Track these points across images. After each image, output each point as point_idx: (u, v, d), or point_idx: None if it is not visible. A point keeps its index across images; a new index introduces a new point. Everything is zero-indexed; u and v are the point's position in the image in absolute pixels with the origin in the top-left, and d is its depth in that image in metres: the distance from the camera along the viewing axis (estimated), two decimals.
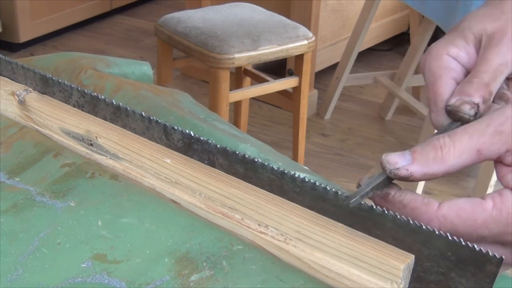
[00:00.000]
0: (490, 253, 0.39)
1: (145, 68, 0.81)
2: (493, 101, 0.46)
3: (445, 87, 0.46)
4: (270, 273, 0.44)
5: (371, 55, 3.14)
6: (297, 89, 2.06)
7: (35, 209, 0.51)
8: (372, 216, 0.43)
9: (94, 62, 0.77)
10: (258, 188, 0.50)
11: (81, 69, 0.75)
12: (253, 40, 1.92)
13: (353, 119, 2.72)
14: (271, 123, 2.65)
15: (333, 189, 0.46)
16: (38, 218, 0.50)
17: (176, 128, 0.54)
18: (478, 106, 0.45)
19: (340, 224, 0.45)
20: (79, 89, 0.60)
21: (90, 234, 0.48)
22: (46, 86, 0.63)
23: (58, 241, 0.48)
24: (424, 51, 0.55)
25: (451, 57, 0.48)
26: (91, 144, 0.58)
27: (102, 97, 0.59)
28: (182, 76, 2.95)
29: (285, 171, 0.48)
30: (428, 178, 0.42)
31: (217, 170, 0.52)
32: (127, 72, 0.80)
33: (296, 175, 0.47)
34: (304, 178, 0.47)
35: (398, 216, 0.42)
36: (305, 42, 1.99)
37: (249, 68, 2.22)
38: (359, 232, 0.45)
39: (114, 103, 0.58)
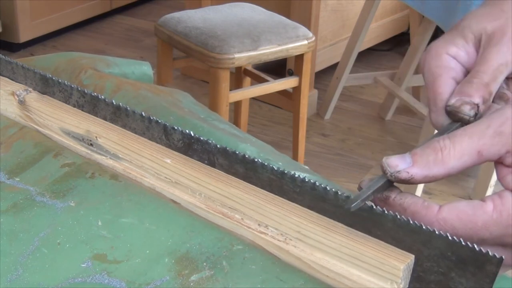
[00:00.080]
0: (490, 253, 0.39)
1: (145, 68, 0.81)
2: (493, 101, 0.46)
3: (445, 87, 0.46)
4: (270, 273, 0.44)
5: (371, 55, 3.14)
6: (297, 89, 2.07)
7: (35, 209, 0.51)
8: (372, 216, 0.43)
9: (94, 62, 0.77)
10: (258, 188, 0.50)
11: (81, 69, 0.75)
12: (253, 40, 1.92)
13: (353, 119, 2.72)
14: (271, 123, 2.65)
15: (333, 189, 0.46)
16: (38, 218, 0.50)
17: (176, 128, 0.54)
18: (478, 107, 0.44)
19: (340, 224, 0.45)
20: (79, 89, 0.60)
21: (90, 234, 0.48)
22: (46, 86, 0.63)
23: (58, 241, 0.48)
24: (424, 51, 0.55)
25: (450, 56, 0.48)
26: (91, 144, 0.58)
27: (102, 97, 0.59)
28: (182, 76, 2.95)
29: (285, 171, 0.48)
30: (428, 181, 0.42)
31: (217, 170, 0.52)
32: (127, 72, 0.80)
33: (296, 175, 0.47)
34: (304, 178, 0.47)
35: (398, 216, 0.42)
36: (305, 42, 1.99)
37: (249, 68, 2.22)
38: (359, 232, 0.45)
39: (114, 103, 0.58)
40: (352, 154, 2.48)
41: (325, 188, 0.46)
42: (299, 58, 2.02)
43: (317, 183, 0.46)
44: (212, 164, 0.52)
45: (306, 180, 0.47)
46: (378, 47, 3.14)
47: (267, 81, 2.12)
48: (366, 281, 0.43)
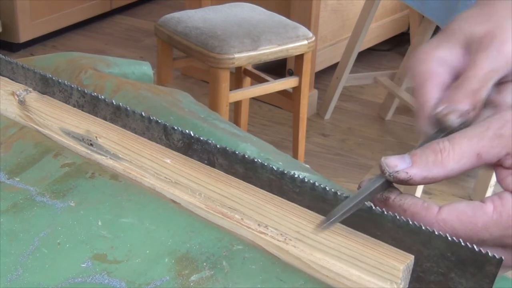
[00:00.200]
0: (489, 254, 0.39)
1: (145, 68, 0.81)
2: (483, 107, 0.45)
3: (432, 93, 0.45)
4: (270, 273, 0.45)
5: (371, 55, 3.14)
6: (297, 89, 2.07)
7: (35, 209, 0.51)
8: (371, 217, 0.43)
9: (94, 62, 0.77)
10: (258, 188, 0.50)
11: (81, 69, 0.75)
12: (253, 40, 1.92)
13: (353, 119, 2.72)
14: (271, 123, 2.65)
15: (333, 190, 0.46)
16: (38, 218, 0.50)
17: (176, 128, 0.54)
18: (466, 114, 0.44)
19: (339, 225, 0.45)
20: (79, 89, 0.60)
21: (90, 234, 0.48)
22: (46, 86, 0.63)
23: (58, 241, 0.48)
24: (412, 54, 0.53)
25: (439, 60, 0.46)
26: (91, 144, 0.58)
27: (102, 97, 0.59)
28: (182, 76, 2.95)
29: (285, 171, 0.48)
30: (427, 182, 0.42)
31: (217, 170, 0.52)
32: (127, 72, 0.80)
33: (296, 175, 0.47)
34: (304, 178, 0.47)
35: (398, 217, 0.42)
36: (305, 42, 1.99)
37: (249, 68, 2.22)
38: (359, 233, 0.45)
39: (114, 103, 0.58)
40: (352, 154, 2.48)
41: (325, 188, 0.46)
42: (299, 58, 2.02)
43: (317, 183, 0.46)
44: (212, 164, 0.52)
45: (306, 180, 0.47)
46: (378, 47, 3.14)
47: (267, 81, 2.12)
48: (365, 281, 0.43)
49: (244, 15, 2.06)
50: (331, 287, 0.44)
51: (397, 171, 0.42)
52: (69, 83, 0.61)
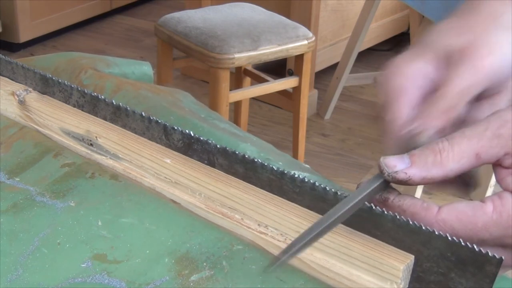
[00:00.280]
0: (489, 254, 0.39)
1: (146, 68, 0.81)
2: (457, 125, 0.44)
3: (404, 109, 0.44)
4: (270, 273, 0.44)
5: (371, 55, 3.14)
6: (297, 89, 2.06)
7: (35, 209, 0.51)
8: (371, 217, 0.43)
9: (94, 62, 0.77)
10: (258, 188, 0.50)
11: (81, 69, 0.75)
12: (253, 40, 1.92)
13: (353, 119, 2.72)
14: (271, 123, 2.65)
15: (333, 189, 0.46)
16: (38, 218, 0.50)
17: (176, 128, 0.54)
18: (439, 132, 0.42)
19: (340, 224, 0.45)
20: (79, 89, 0.60)
21: (90, 234, 0.48)
22: (46, 86, 0.63)
23: (58, 241, 0.48)
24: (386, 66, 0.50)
25: (413, 74, 0.44)
26: (91, 144, 0.58)
27: (102, 97, 0.59)
28: (182, 76, 2.95)
29: (285, 171, 0.48)
30: (426, 182, 0.42)
31: (217, 170, 0.52)
32: (127, 72, 0.80)
33: (296, 175, 0.47)
34: (304, 178, 0.47)
35: (398, 217, 0.42)
36: (305, 42, 1.99)
37: (249, 68, 2.22)
38: (359, 233, 0.45)
39: (114, 103, 0.58)
40: (352, 154, 2.48)
41: (325, 188, 0.46)
42: (299, 58, 2.02)
43: (317, 183, 0.46)
44: (212, 164, 0.52)
45: (306, 180, 0.47)
46: (378, 47, 3.14)
47: (267, 81, 2.12)
48: (365, 281, 0.43)
49: (244, 15, 2.06)
50: (331, 287, 0.44)
51: (396, 171, 0.41)
52: (69, 83, 0.61)
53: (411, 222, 0.41)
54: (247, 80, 2.24)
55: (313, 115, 2.70)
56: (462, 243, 0.40)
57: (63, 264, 0.46)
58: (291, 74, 2.34)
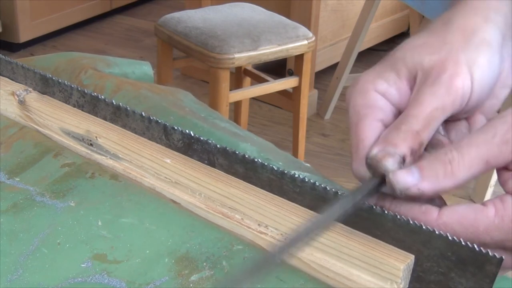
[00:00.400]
0: (490, 253, 0.39)
1: (146, 68, 0.81)
2: (426, 149, 0.41)
3: (369, 131, 0.41)
4: (270, 273, 0.44)
5: (371, 55, 3.14)
6: (297, 89, 2.06)
7: (35, 209, 0.51)
8: (372, 216, 0.43)
9: (94, 62, 0.77)
10: (258, 188, 0.50)
11: (81, 69, 0.75)
12: (253, 40, 1.92)
13: None
14: (271, 123, 2.65)
15: (333, 189, 0.46)
16: (38, 218, 0.50)
17: (176, 128, 0.54)
18: (404, 159, 0.40)
19: (340, 224, 0.45)
20: (79, 89, 0.60)
21: (90, 234, 0.48)
22: (46, 86, 0.63)
23: (58, 241, 0.48)
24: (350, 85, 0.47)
25: (379, 93, 0.42)
26: (91, 144, 0.58)
27: (102, 97, 0.59)
28: (182, 76, 2.95)
29: (285, 171, 0.48)
30: (437, 194, 0.40)
31: (217, 170, 0.52)
32: (127, 72, 0.80)
33: (296, 175, 0.47)
34: (304, 178, 0.47)
35: (398, 216, 0.42)
36: (305, 42, 1.99)
37: (249, 68, 2.22)
38: (359, 232, 0.45)
39: (114, 103, 0.58)
40: None
41: (325, 188, 0.46)
42: (299, 58, 2.02)
43: (317, 183, 0.46)
44: (212, 164, 0.52)
45: (306, 180, 0.47)
46: (378, 47, 3.14)
47: (267, 81, 2.12)
48: (366, 281, 0.43)
49: (244, 15, 2.06)
50: (331, 287, 0.44)
51: (408, 188, 0.39)
52: (69, 83, 0.61)
53: (411, 222, 0.41)
54: (247, 80, 2.24)
55: (313, 115, 2.70)
56: (463, 243, 0.40)
57: (63, 264, 0.46)
58: (291, 74, 2.34)
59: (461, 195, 2.23)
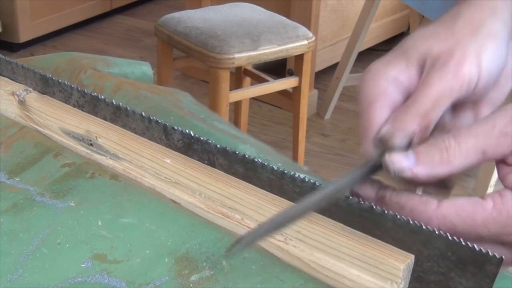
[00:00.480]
0: (490, 253, 0.39)
1: (145, 68, 0.81)
2: (432, 133, 0.43)
3: (379, 114, 0.43)
4: (270, 273, 0.44)
5: (371, 55, 3.14)
6: (297, 89, 2.06)
7: (35, 209, 0.51)
8: (372, 216, 0.43)
9: (94, 62, 0.77)
10: (258, 188, 0.50)
11: (81, 69, 0.75)
12: (253, 40, 1.92)
13: (353, 119, 2.72)
14: (271, 123, 2.65)
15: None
16: (38, 218, 0.50)
17: (176, 128, 0.54)
18: (412, 137, 0.41)
19: (340, 224, 0.45)
20: (79, 89, 0.60)
21: (90, 234, 0.48)
22: (46, 86, 0.63)
23: (58, 241, 0.48)
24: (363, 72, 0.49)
25: (389, 80, 0.44)
26: (91, 144, 0.58)
27: (102, 97, 0.59)
28: (182, 76, 2.95)
29: (285, 171, 0.48)
30: (431, 180, 0.41)
31: (217, 170, 0.52)
32: (127, 72, 0.80)
33: (296, 175, 0.47)
34: (304, 178, 0.47)
35: (398, 216, 0.42)
36: (305, 42, 1.99)
37: (249, 68, 2.22)
38: (359, 232, 0.45)
39: (114, 103, 0.58)
40: (352, 154, 2.48)
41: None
42: (299, 58, 2.02)
43: (317, 183, 0.46)
44: (212, 164, 0.52)
45: (306, 180, 0.47)
46: (378, 47, 3.14)
47: (267, 81, 2.12)
48: (366, 281, 0.43)
49: (244, 15, 2.06)
50: (331, 287, 0.44)
51: (402, 169, 0.41)
52: (69, 83, 0.61)
53: (411, 222, 0.41)
54: (247, 80, 2.24)
55: (313, 115, 2.70)
56: (463, 243, 0.40)
57: (63, 264, 0.46)
58: (291, 74, 2.34)
59: (461, 195, 2.23)
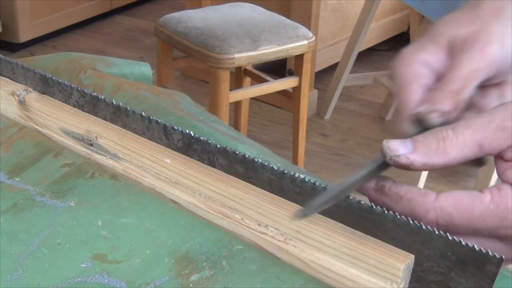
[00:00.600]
0: (490, 253, 0.39)
1: (144, 69, 0.81)
2: (465, 109, 0.45)
3: (414, 95, 0.45)
4: (270, 273, 0.44)
5: (371, 55, 3.14)
6: (297, 89, 2.06)
7: (35, 209, 0.51)
8: (372, 216, 0.43)
9: (94, 62, 0.77)
10: (258, 188, 0.50)
11: (81, 69, 0.75)
12: (253, 40, 1.92)
13: (353, 119, 2.72)
14: (271, 123, 2.65)
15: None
16: (38, 218, 0.50)
17: (176, 128, 0.54)
18: (447, 114, 0.43)
19: (340, 224, 0.45)
20: (79, 89, 0.60)
21: (90, 234, 0.48)
22: (46, 86, 0.63)
23: (58, 241, 0.48)
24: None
25: (421, 63, 0.46)
26: (91, 144, 0.58)
27: (102, 97, 0.59)
28: (182, 76, 2.95)
29: (285, 171, 0.48)
30: (427, 169, 0.42)
31: (217, 170, 0.52)
32: (126, 72, 0.80)
33: (296, 175, 0.47)
34: (304, 178, 0.47)
35: (398, 216, 0.42)
36: (305, 42, 1.99)
37: (249, 68, 2.22)
38: (359, 232, 0.45)
39: (114, 103, 0.58)
40: (352, 154, 2.48)
41: (325, 188, 0.46)
42: (299, 58, 2.02)
43: (317, 183, 0.46)
44: (212, 164, 0.52)
45: (306, 180, 0.47)
46: (378, 47, 3.14)
47: (267, 81, 2.12)
48: (366, 281, 0.43)
49: (244, 15, 2.06)
50: (331, 287, 0.44)
51: (398, 155, 0.42)
52: (69, 83, 0.61)
53: (411, 222, 0.41)
54: (247, 80, 2.24)
55: (313, 115, 2.70)
56: (463, 243, 0.40)
57: (63, 264, 0.46)
58: (291, 74, 2.34)
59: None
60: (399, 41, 3.21)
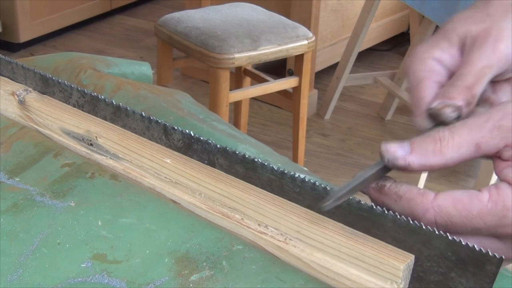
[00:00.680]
0: (490, 253, 0.39)
1: (145, 69, 0.81)
2: (477, 105, 0.46)
3: (428, 90, 0.46)
4: (270, 273, 0.44)
5: (371, 55, 3.14)
6: (297, 89, 2.07)
7: (35, 209, 0.51)
8: (372, 216, 0.43)
9: (93, 62, 0.77)
10: (258, 188, 0.50)
11: (81, 69, 0.75)
12: (253, 40, 1.92)
13: (353, 119, 2.72)
14: (271, 123, 2.65)
15: (333, 189, 0.46)
16: (38, 218, 0.50)
17: (176, 128, 0.54)
18: (460, 109, 0.44)
19: (340, 224, 0.45)
20: (79, 89, 0.60)
21: (90, 234, 0.48)
22: (46, 86, 0.63)
23: (58, 241, 0.48)
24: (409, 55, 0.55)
25: (434, 59, 0.47)
26: (91, 144, 0.58)
27: (102, 97, 0.59)
28: (182, 76, 2.95)
29: (285, 171, 0.48)
30: (425, 170, 0.42)
31: (217, 170, 0.52)
32: (126, 72, 0.80)
33: (296, 175, 0.47)
34: (304, 178, 0.47)
35: (398, 216, 0.42)
36: (305, 42, 1.99)
37: (249, 68, 2.22)
38: (359, 232, 0.45)
39: (114, 103, 0.58)
40: (352, 154, 2.48)
41: (325, 188, 0.46)
42: (299, 58, 2.02)
43: (317, 183, 0.46)
44: (212, 164, 0.52)
45: (306, 180, 0.47)
46: (378, 47, 3.14)
47: (267, 81, 2.12)
48: (366, 281, 0.43)
49: (244, 15, 2.06)
50: (331, 287, 0.44)
51: (396, 158, 0.42)
52: (69, 83, 0.61)
53: (411, 222, 0.41)
54: (247, 80, 2.24)
55: (313, 115, 2.70)
56: (463, 243, 0.40)
57: (63, 264, 0.46)
58: (291, 74, 2.34)
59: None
60: (399, 41, 3.22)
